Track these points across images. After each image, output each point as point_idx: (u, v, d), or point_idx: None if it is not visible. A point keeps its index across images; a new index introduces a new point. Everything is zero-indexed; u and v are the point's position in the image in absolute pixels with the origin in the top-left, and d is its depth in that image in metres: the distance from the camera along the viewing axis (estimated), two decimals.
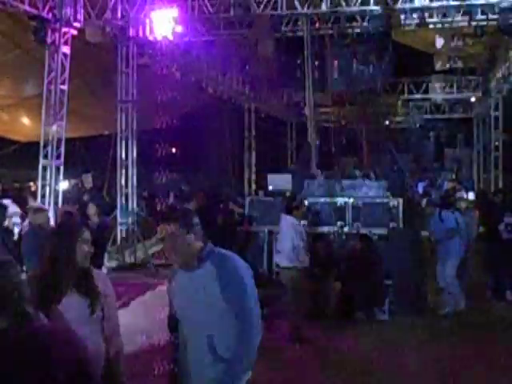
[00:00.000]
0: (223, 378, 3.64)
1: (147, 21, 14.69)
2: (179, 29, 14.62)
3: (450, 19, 15.34)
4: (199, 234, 3.84)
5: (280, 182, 13.87)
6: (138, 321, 10.06)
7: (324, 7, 14.39)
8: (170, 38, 14.63)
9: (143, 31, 15.00)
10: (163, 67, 17.74)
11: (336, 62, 17.91)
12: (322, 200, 13.00)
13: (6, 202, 15.05)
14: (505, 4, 14.27)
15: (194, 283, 3.76)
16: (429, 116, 27.95)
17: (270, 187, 13.82)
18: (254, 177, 26.20)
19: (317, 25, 15.40)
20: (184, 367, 3.92)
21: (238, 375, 3.68)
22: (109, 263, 14.83)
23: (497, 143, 24.58)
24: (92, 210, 12.06)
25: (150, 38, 14.84)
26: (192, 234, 3.80)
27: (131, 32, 15.34)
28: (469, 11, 15.13)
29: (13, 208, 12.75)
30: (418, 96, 24.90)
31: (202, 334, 3.72)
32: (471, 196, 18.48)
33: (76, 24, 14.69)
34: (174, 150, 27.37)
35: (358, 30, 15.95)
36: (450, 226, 11.56)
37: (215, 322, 3.69)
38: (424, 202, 12.89)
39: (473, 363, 8.44)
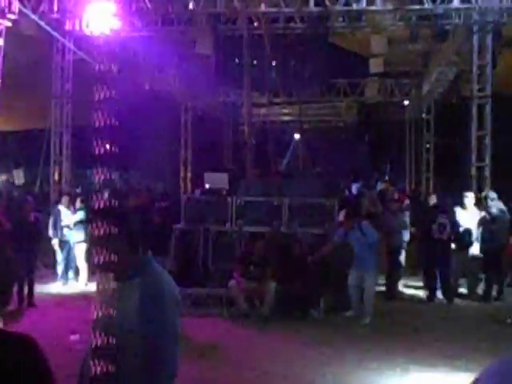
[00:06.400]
0: None
1: (84, 14, 14.41)
2: (116, 23, 14.39)
3: (386, 23, 15.56)
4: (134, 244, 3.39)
5: (217, 180, 13.84)
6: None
7: (263, 7, 14.45)
8: (107, 32, 14.38)
9: (80, 25, 14.71)
10: (100, 62, 17.44)
11: (274, 62, 17.98)
12: (259, 199, 13.01)
13: None
14: (439, 10, 14.62)
15: (120, 295, 3.19)
16: (363, 118, 28.32)
17: (207, 185, 13.77)
18: (189, 175, 26.05)
19: (256, 24, 15.41)
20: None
21: None
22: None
23: (428, 146, 25.16)
24: (29, 205, 11.89)
25: (87, 32, 14.57)
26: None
27: (68, 26, 15.03)
28: (405, 16, 15.40)
29: None
30: (353, 98, 25.21)
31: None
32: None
33: (10, 15, 14.29)
34: (109, 147, 26.94)
35: (296, 31, 16.05)
36: (372, 240, 11.00)
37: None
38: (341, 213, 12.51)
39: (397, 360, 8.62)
